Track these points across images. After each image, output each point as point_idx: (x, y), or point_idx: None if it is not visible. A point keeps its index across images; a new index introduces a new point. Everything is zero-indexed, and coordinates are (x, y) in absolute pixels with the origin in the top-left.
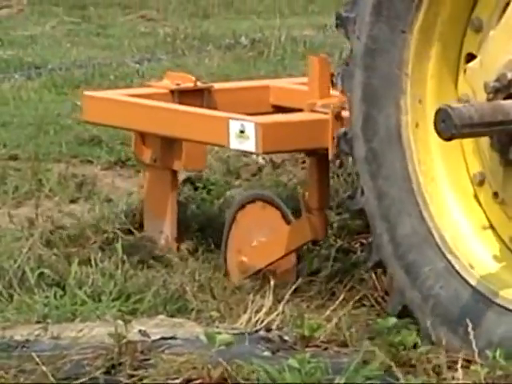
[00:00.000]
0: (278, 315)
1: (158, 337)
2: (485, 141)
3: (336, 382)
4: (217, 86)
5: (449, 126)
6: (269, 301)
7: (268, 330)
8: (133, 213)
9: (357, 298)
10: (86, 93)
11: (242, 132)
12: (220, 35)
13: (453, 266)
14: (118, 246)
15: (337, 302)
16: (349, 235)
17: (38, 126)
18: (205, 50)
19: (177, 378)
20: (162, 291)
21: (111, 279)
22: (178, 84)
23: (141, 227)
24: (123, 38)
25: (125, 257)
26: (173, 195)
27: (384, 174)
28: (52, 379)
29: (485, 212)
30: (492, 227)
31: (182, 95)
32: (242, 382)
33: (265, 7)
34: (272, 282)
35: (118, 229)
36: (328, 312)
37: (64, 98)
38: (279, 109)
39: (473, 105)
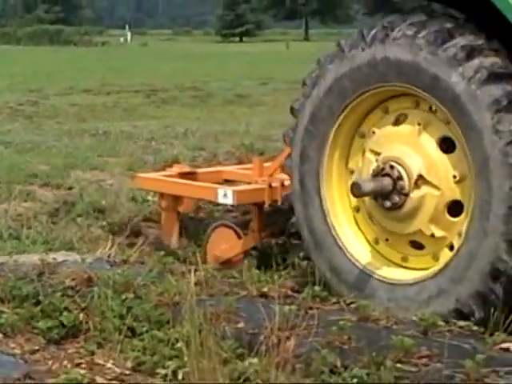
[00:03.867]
0: (113, 250)
1: (60, 260)
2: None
3: (138, 280)
4: (199, 170)
5: (357, 190)
6: (110, 244)
7: (109, 256)
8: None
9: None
10: (139, 174)
11: (225, 194)
12: None
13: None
14: (43, 218)
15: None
16: None
17: None
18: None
19: (67, 279)
20: (64, 240)
21: (40, 234)
22: (181, 169)
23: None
24: None
25: (50, 220)
26: (177, 223)
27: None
28: (13, 278)
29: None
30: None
31: (185, 175)
32: (96, 279)
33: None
34: (111, 236)
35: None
36: (135, 248)
37: None
38: (228, 181)
39: (369, 180)
